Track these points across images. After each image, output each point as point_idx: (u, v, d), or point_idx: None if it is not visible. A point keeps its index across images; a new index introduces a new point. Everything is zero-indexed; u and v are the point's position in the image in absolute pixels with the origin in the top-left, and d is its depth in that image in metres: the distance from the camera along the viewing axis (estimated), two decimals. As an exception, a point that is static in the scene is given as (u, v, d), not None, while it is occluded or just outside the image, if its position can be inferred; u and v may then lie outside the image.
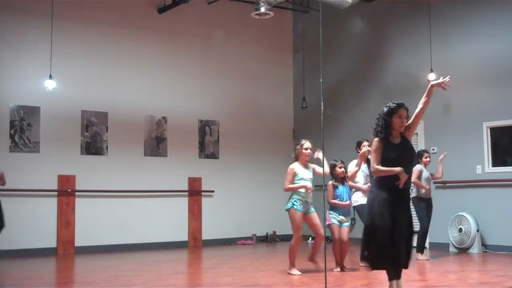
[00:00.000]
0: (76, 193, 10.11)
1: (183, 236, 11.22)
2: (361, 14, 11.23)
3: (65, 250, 9.84)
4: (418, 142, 10.52)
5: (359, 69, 11.58)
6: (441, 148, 10.18)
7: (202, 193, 11.57)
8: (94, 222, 10.20)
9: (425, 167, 8.62)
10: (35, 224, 9.65)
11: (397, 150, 5.08)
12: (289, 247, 7.12)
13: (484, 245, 9.42)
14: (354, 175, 7.66)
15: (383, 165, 5.03)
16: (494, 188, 9.42)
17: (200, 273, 7.89)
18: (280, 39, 12.97)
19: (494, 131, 9.57)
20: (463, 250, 9.48)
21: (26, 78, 9.82)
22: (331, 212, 7.34)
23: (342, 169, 7.38)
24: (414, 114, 5.32)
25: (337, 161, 7.42)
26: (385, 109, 5.18)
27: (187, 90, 11.56)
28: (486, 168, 9.56)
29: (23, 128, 9.79)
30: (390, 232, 4.91)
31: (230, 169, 11.95)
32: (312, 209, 7.09)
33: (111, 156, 10.57)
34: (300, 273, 6.97)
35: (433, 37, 10.11)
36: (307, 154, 7.12)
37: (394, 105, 5.19)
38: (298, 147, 7.19)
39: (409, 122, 5.28)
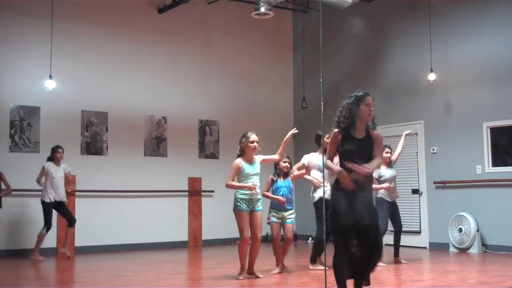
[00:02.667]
0: (76, 193, 10.10)
1: (183, 236, 11.22)
2: (361, 14, 11.22)
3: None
4: (418, 142, 10.53)
5: (359, 69, 11.57)
6: (441, 148, 10.19)
7: (202, 193, 11.57)
8: (94, 222, 10.19)
9: (386, 165, 8.01)
10: (34, 224, 9.65)
11: (358, 145, 4.76)
12: (238, 250, 6.80)
13: (484, 245, 9.42)
14: (298, 177, 7.45)
15: (341, 159, 4.77)
16: (494, 188, 9.42)
17: (200, 273, 7.89)
18: (280, 39, 12.97)
19: (494, 131, 9.57)
20: (463, 250, 9.48)
21: (26, 78, 9.82)
22: (271, 210, 7.25)
23: (287, 164, 7.30)
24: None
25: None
26: (351, 98, 4.90)
27: (187, 90, 11.56)
28: (486, 168, 9.56)
29: (23, 128, 9.79)
30: (349, 233, 4.61)
31: (230, 169, 11.93)
32: (259, 207, 6.72)
33: (111, 156, 10.56)
34: (242, 278, 6.70)
35: (433, 37, 10.11)
36: (253, 148, 6.70)
37: (361, 93, 4.92)
38: (243, 140, 6.72)
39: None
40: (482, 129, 9.62)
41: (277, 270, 7.17)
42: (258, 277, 6.79)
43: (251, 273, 6.85)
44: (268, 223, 7.29)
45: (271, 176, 7.36)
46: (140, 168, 10.84)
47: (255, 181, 6.70)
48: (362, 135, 4.84)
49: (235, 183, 6.65)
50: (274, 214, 7.21)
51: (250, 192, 6.63)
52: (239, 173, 6.68)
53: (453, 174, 9.92)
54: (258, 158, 6.86)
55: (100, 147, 10.53)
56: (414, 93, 10.59)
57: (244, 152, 6.76)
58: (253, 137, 6.74)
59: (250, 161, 6.75)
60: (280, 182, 7.28)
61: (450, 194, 10.01)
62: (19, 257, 9.01)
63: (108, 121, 10.61)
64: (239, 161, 6.71)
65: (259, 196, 6.78)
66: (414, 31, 10.69)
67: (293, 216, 7.26)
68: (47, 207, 8.95)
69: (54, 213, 9.12)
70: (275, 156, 6.99)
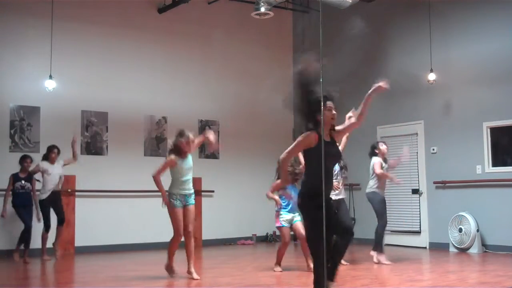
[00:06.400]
0: (76, 193, 10.11)
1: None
2: (361, 14, 11.18)
3: (65, 250, 9.82)
4: (418, 142, 10.53)
5: (359, 69, 11.53)
6: (441, 148, 10.19)
7: (202, 193, 11.56)
8: (94, 222, 10.20)
9: (383, 157, 8.26)
10: (35, 224, 9.64)
11: (325, 149, 4.65)
12: (168, 246, 6.98)
13: (484, 245, 9.43)
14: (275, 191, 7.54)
15: (311, 162, 4.78)
16: (494, 188, 9.43)
17: (200, 273, 7.87)
18: (280, 39, 12.96)
19: (494, 131, 9.57)
20: (463, 250, 9.48)
21: (26, 78, 9.82)
22: (282, 211, 7.39)
23: (293, 167, 7.40)
24: (348, 124, 5.16)
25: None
26: (314, 104, 4.83)
27: (187, 90, 11.56)
28: (486, 168, 9.56)
29: (23, 128, 9.79)
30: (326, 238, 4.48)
31: (230, 169, 11.94)
32: (191, 202, 6.91)
33: (111, 156, 10.56)
34: (171, 276, 6.85)
35: (433, 37, 10.11)
36: (191, 146, 6.91)
37: (322, 98, 4.78)
38: (180, 138, 6.83)
39: (341, 127, 5.06)
40: (482, 129, 9.62)
41: (279, 269, 7.40)
42: (193, 278, 6.81)
43: (188, 272, 6.91)
44: (278, 228, 7.45)
45: (278, 181, 7.39)
46: (140, 168, 10.82)
47: (190, 175, 6.89)
48: (328, 139, 4.87)
49: (161, 188, 6.85)
50: (283, 218, 7.36)
51: (183, 186, 6.83)
52: (174, 169, 6.85)
53: (453, 174, 9.92)
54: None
55: (100, 147, 10.53)
56: (414, 93, 10.59)
57: (180, 149, 6.87)
58: (192, 136, 6.90)
59: (184, 157, 6.92)
60: (290, 186, 7.39)
61: (450, 194, 10.01)
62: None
63: (108, 121, 10.61)
64: (174, 157, 6.87)
65: (192, 191, 6.96)
66: (414, 31, 10.69)
67: (299, 216, 7.41)
68: (43, 205, 9.05)
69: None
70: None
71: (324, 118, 4.78)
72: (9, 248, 9.20)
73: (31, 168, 9.01)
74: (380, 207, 8.10)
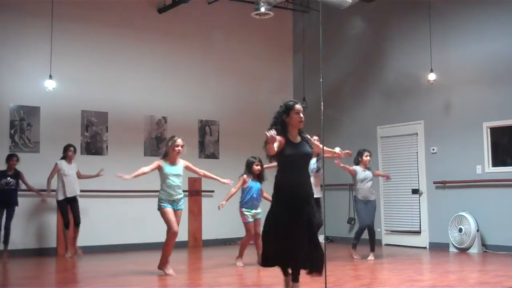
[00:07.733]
0: (76, 193, 10.11)
1: (183, 236, 11.17)
2: (361, 14, 11.23)
3: (65, 250, 9.82)
4: (418, 142, 10.53)
5: (359, 69, 11.58)
6: (441, 148, 10.19)
7: (202, 193, 11.57)
8: (94, 222, 10.19)
9: (365, 167, 8.67)
10: (35, 224, 9.66)
11: (295, 149, 5.09)
12: (165, 244, 7.05)
13: (484, 245, 9.43)
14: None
15: (280, 163, 5.12)
16: (494, 188, 9.42)
17: (200, 273, 7.89)
18: (280, 39, 12.96)
19: (494, 131, 9.57)
20: (463, 250, 9.48)
21: (26, 78, 9.82)
22: (244, 208, 7.76)
23: (259, 167, 7.87)
24: (323, 148, 5.56)
25: (255, 158, 7.90)
26: (282, 108, 5.26)
27: (187, 90, 11.56)
28: (486, 168, 9.56)
29: (23, 128, 9.79)
30: (287, 230, 4.89)
31: (230, 169, 11.89)
32: (180, 207, 7.10)
33: (111, 156, 10.56)
34: (173, 273, 6.98)
35: (433, 37, 10.11)
36: (177, 151, 7.02)
37: (291, 102, 5.24)
38: (169, 143, 7.06)
39: (319, 144, 5.62)
40: (482, 129, 9.62)
41: (241, 264, 7.81)
42: (169, 274, 7.00)
43: (161, 268, 7.09)
44: (244, 223, 7.80)
45: (244, 176, 7.88)
46: (140, 168, 10.81)
47: (175, 181, 7.02)
48: (298, 140, 5.19)
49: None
50: (248, 213, 7.76)
51: (172, 193, 6.99)
52: (160, 173, 7.02)
53: (453, 174, 9.92)
54: (183, 162, 7.21)
55: (100, 147, 10.53)
56: (414, 93, 10.59)
57: (169, 154, 7.08)
58: (178, 141, 7.06)
59: (173, 163, 7.08)
60: (252, 183, 7.86)
61: (450, 194, 10.01)
62: (19, 257, 9.01)
63: (108, 121, 10.61)
64: (161, 161, 7.08)
65: (181, 196, 7.11)
66: (414, 31, 10.68)
67: (261, 212, 7.72)
68: (61, 205, 9.28)
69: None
70: (199, 171, 7.47)
71: (293, 121, 5.15)
72: (10, 248, 9.19)
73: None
74: (357, 212, 8.77)
